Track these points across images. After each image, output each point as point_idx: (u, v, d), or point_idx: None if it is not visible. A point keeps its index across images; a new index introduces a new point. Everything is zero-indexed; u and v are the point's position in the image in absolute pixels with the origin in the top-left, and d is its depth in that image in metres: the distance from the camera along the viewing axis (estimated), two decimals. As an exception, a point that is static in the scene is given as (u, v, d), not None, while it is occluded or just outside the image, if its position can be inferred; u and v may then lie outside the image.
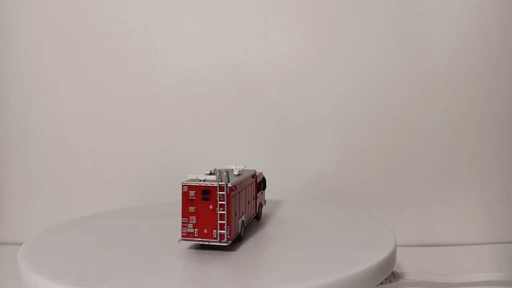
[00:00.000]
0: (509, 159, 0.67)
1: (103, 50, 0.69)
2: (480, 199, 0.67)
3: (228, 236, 0.38)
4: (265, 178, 0.53)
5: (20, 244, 0.62)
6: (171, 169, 0.66)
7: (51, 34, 0.69)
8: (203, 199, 0.39)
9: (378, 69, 0.67)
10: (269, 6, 0.67)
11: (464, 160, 0.67)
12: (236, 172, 0.44)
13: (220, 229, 0.38)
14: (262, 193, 0.51)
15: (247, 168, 0.49)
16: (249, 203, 0.45)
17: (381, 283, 0.45)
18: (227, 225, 0.38)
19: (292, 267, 0.36)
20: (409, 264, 0.56)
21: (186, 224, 0.39)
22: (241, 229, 0.41)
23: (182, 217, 0.39)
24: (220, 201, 0.38)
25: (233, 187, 0.39)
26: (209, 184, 0.38)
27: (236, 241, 0.41)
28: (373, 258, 0.37)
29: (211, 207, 0.38)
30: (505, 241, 0.66)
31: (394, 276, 0.46)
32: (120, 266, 0.36)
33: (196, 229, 0.39)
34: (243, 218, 0.42)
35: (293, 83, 0.68)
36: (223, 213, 0.38)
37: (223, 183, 0.38)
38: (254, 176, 0.47)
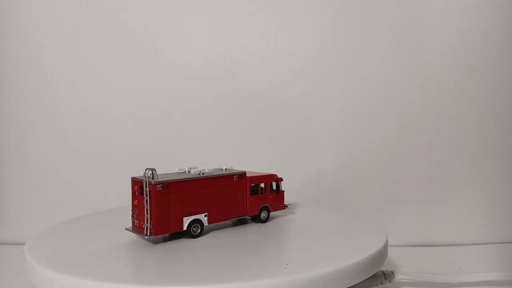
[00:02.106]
0: (509, 159, 0.67)
1: (103, 50, 0.69)
2: (480, 199, 0.67)
3: (151, 230, 0.41)
4: (279, 180, 0.51)
5: (20, 244, 0.62)
6: (171, 169, 0.66)
7: (51, 34, 0.69)
8: (141, 193, 0.42)
9: (378, 69, 0.67)
10: (269, 6, 0.67)
11: (464, 160, 0.67)
12: (198, 172, 0.45)
13: (146, 223, 0.41)
14: (267, 196, 0.50)
15: (234, 168, 0.49)
16: (218, 203, 0.45)
17: (381, 283, 0.45)
18: (150, 219, 0.41)
19: (212, 266, 0.36)
20: (409, 264, 0.56)
21: (133, 215, 0.43)
22: (190, 227, 0.43)
23: (132, 209, 0.43)
24: (145, 196, 0.41)
25: (162, 185, 0.41)
26: (142, 180, 0.42)
27: (191, 238, 0.43)
28: (354, 257, 0.38)
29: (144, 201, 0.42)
30: (505, 241, 0.66)
31: (395, 276, 0.46)
32: (121, 261, 0.38)
33: (137, 220, 0.43)
34: (196, 217, 0.43)
35: (293, 83, 0.68)
36: (147, 208, 0.41)
37: (147, 180, 0.41)
38: (238, 177, 0.47)
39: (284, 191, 0.52)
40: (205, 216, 0.44)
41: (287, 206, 0.53)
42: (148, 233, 0.41)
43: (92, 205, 0.65)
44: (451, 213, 0.67)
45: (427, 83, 0.66)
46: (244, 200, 0.48)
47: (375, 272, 0.40)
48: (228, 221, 0.47)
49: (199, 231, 0.44)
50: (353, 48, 0.67)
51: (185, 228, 0.43)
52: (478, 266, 0.56)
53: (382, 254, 0.41)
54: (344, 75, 0.67)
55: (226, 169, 0.48)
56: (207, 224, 0.44)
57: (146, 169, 0.41)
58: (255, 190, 0.49)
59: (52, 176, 0.70)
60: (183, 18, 0.68)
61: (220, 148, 0.68)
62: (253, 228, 0.48)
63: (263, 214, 0.50)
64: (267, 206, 0.50)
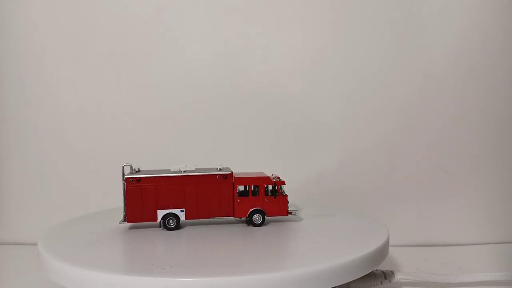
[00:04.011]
0: (509, 159, 0.67)
1: (103, 50, 0.69)
2: (480, 199, 0.67)
3: (125, 218, 0.46)
4: (278, 184, 0.48)
5: (20, 244, 0.63)
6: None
7: (51, 34, 0.69)
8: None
9: (378, 69, 0.67)
10: (269, 6, 0.67)
11: (464, 160, 0.67)
12: (176, 168, 0.47)
13: (124, 211, 0.46)
14: (260, 199, 0.48)
15: (225, 167, 0.49)
16: (198, 201, 0.47)
17: (381, 283, 0.45)
18: (125, 208, 0.46)
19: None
20: (409, 264, 0.56)
21: None
22: (165, 219, 0.46)
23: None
24: (123, 188, 0.46)
25: (134, 179, 0.46)
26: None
27: (166, 229, 0.46)
28: (355, 253, 0.38)
29: None
30: (505, 241, 0.67)
31: (395, 276, 0.46)
32: (127, 255, 0.40)
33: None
34: (172, 211, 0.46)
35: (293, 83, 0.68)
36: (124, 198, 0.46)
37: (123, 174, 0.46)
38: (222, 177, 0.47)
39: (286, 195, 0.49)
40: (182, 211, 0.47)
41: (291, 213, 0.49)
42: (124, 220, 0.46)
43: (92, 205, 0.65)
44: (451, 213, 0.67)
45: (427, 83, 0.66)
46: (230, 201, 0.48)
47: (378, 266, 0.40)
48: (230, 218, 0.48)
49: (174, 224, 0.46)
50: (353, 48, 0.67)
51: (159, 220, 0.46)
52: (478, 266, 0.56)
53: (382, 251, 0.41)
54: (344, 75, 0.67)
55: (220, 169, 0.48)
56: (184, 219, 0.47)
57: (124, 165, 0.47)
58: (244, 192, 0.48)
59: (52, 176, 0.70)
60: (183, 18, 0.68)
61: (221, 148, 0.68)
62: (246, 229, 0.47)
63: (256, 218, 0.48)
64: (260, 210, 0.48)
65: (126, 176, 0.46)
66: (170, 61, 0.68)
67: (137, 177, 0.46)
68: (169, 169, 0.48)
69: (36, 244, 0.41)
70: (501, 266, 0.56)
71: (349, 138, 0.68)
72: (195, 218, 0.47)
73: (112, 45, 0.69)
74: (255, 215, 0.48)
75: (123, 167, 0.47)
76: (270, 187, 0.49)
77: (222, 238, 0.44)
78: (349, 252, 0.38)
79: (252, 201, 0.48)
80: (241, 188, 0.49)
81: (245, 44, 0.68)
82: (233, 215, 0.48)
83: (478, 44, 0.65)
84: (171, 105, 0.69)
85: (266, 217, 0.48)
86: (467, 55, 0.66)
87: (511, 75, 0.66)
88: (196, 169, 0.48)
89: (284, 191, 0.49)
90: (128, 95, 0.69)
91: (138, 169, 0.49)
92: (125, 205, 0.46)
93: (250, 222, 0.48)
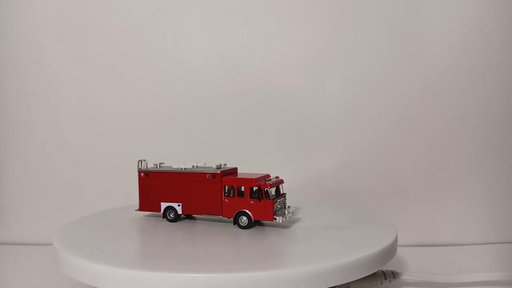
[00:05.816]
0: (509, 159, 0.67)
1: (103, 50, 0.69)
2: (480, 199, 0.67)
3: (138, 207, 0.52)
4: (263, 186, 0.45)
5: (20, 244, 0.63)
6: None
7: (51, 34, 0.69)
8: None
9: (378, 69, 0.67)
10: (269, 6, 0.67)
11: (464, 160, 0.67)
12: (178, 166, 0.50)
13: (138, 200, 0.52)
14: (245, 201, 0.46)
15: (226, 166, 0.50)
16: (192, 197, 0.49)
17: (381, 283, 0.45)
18: (138, 198, 0.51)
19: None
20: (409, 264, 0.56)
21: None
22: (166, 212, 0.50)
23: None
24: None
25: (144, 173, 0.51)
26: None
27: (167, 221, 0.50)
28: (364, 251, 0.38)
29: None
30: (505, 241, 0.66)
31: (394, 276, 0.46)
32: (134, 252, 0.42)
33: None
34: (171, 204, 0.50)
35: (293, 83, 0.68)
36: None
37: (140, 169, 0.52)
38: (211, 176, 0.47)
39: (272, 200, 0.45)
40: (179, 205, 0.50)
41: (275, 219, 0.45)
42: (138, 208, 0.52)
43: (92, 205, 0.65)
44: (451, 213, 0.67)
45: (428, 83, 0.66)
46: (219, 200, 0.47)
47: (385, 265, 0.40)
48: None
49: (173, 217, 0.50)
50: (353, 48, 0.67)
51: (161, 211, 0.50)
52: (478, 266, 0.56)
53: (391, 250, 0.41)
54: (344, 75, 0.67)
55: (219, 167, 0.49)
56: (181, 213, 0.50)
57: (139, 160, 0.51)
58: (231, 192, 0.47)
59: (52, 176, 0.70)
60: (183, 18, 0.68)
61: (220, 148, 0.68)
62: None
63: (243, 220, 0.46)
64: (245, 212, 0.46)
65: (138, 170, 0.51)
66: (170, 61, 0.68)
67: (146, 171, 0.51)
68: (178, 166, 0.51)
69: (35, 244, 0.41)
70: (501, 266, 0.56)
71: (349, 138, 0.68)
72: (189, 213, 0.50)
73: (113, 45, 0.69)
74: (242, 217, 0.46)
75: (139, 162, 0.52)
76: (254, 189, 0.46)
77: (224, 235, 0.44)
78: (355, 251, 0.38)
79: (237, 202, 0.46)
80: (228, 187, 0.47)
81: (245, 44, 0.68)
82: (222, 215, 0.48)
83: (478, 44, 0.65)
84: (172, 105, 0.69)
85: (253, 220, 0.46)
86: (467, 55, 0.66)
87: (511, 75, 0.66)
88: (192, 167, 0.50)
89: (270, 195, 0.46)
90: (128, 95, 0.69)
91: (159, 164, 0.53)
92: (139, 195, 0.52)
93: (237, 223, 0.47)
